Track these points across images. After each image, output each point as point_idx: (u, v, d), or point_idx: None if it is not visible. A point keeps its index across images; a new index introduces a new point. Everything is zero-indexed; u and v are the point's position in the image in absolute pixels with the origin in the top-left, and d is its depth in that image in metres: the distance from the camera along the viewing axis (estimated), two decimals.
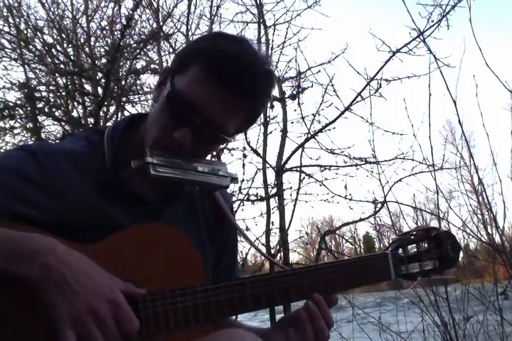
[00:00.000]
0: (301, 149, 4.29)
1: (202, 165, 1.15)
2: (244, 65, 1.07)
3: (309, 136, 4.29)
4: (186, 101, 1.07)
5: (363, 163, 4.34)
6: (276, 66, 4.48)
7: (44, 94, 4.80)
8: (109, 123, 4.49)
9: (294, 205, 4.27)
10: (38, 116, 4.45)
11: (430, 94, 3.17)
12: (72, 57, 4.86)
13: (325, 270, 1.18)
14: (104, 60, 4.75)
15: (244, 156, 4.28)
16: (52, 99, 4.72)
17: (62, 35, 4.88)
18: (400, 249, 1.30)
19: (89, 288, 0.89)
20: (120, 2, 4.88)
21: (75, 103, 4.74)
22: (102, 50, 5.04)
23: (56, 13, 4.98)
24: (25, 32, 4.80)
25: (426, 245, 1.32)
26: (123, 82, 4.43)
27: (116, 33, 4.79)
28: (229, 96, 1.07)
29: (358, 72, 4.04)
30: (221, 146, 4.05)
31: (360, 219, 4.40)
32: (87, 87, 4.90)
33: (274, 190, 4.23)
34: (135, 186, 1.13)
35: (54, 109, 4.67)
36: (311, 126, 4.31)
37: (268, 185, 4.26)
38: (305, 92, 4.39)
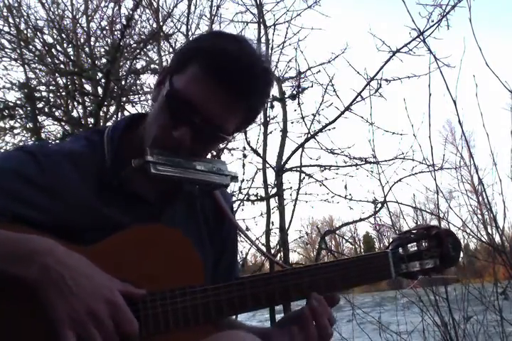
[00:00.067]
0: (301, 149, 4.29)
1: (202, 164, 1.15)
2: (244, 64, 1.07)
3: (309, 136, 4.29)
4: (185, 101, 1.07)
5: (363, 163, 4.34)
6: (276, 66, 4.49)
7: (44, 94, 4.80)
8: (109, 123, 4.49)
9: (294, 205, 4.27)
10: (38, 116, 4.44)
11: (430, 94, 3.17)
12: (72, 57, 4.86)
13: (325, 269, 1.18)
14: (104, 60, 4.75)
15: (244, 156, 4.28)
16: (52, 99, 4.72)
17: (62, 35, 4.88)
18: (400, 248, 1.29)
19: (88, 289, 0.89)
20: (120, 2, 4.88)
21: (75, 103, 4.74)
22: (102, 50, 5.04)
23: (56, 13, 4.98)
24: (25, 32, 4.79)
25: (426, 243, 1.31)
26: (123, 82, 4.43)
27: (116, 33, 4.78)
28: (228, 96, 1.07)
29: (358, 72, 4.05)
30: (221, 145, 4.05)
31: (360, 219, 4.40)
32: (87, 87, 4.90)
33: (274, 190, 4.23)
34: (135, 186, 1.13)
35: (54, 109, 4.67)
36: (311, 126, 4.32)
37: (268, 185, 4.26)
38: (305, 92, 4.39)
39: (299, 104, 4.32)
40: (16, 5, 4.75)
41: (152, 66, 4.96)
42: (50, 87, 4.93)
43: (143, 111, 3.99)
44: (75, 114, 4.76)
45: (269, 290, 1.11)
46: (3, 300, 0.93)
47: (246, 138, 4.16)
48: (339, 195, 4.38)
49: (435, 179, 3.46)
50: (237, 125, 1.16)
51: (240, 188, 4.20)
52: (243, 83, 1.07)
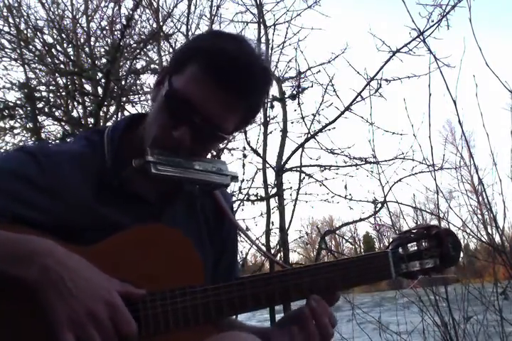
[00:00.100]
0: (301, 149, 4.29)
1: (202, 164, 1.15)
2: (242, 64, 1.07)
3: (309, 136, 4.29)
4: (184, 100, 1.07)
5: (363, 163, 4.35)
6: (276, 66, 4.50)
7: (44, 94, 4.80)
8: (109, 124, 4.49)
9: (294, 205, 4.27)
10: (38, 116, 4.45)
11: (430, 94, 3.17)
12: (72, 57, 4.86)
13: (325, 269, 1.18)
14: (104, 60, 4.75)
15: (244, 156, 4.28)
16: (52, 99, 4.72)
17: (62, 35, 4.88)
18: (400, 248, 1.29)
19: (87, 290, 0.89)
20: (120, 2, 4.88)
21: (75, 103, 4.74)
22: (102, 50, 5.05)
23: (56, 13, 4.99)
24: (25, 32, 4.80)
25: (426, 243, 1.31)
26: (123, 82, 4.43)
27: (116, 33, 4.79)
28: (227, 95, 1.07)
29: (358, 72, 4.05)
30: (221, 145, 4.06)
31: (360, 219, 4.40)
32: (87, 87, 4.91)
33: (274, 190, 4.23)
34: (136, 186, 1.13)
35: (54, 109, 4.67)
36: (311, 126, 4.32)
37: (268, 185, 4.26)
38: (305, 92, 4.40)
39: (299, 104, 4.32)
40: (16, 5, 4.76)
41: (152, 66, 4.96)
42: (50, 87, 4.94)
43: (143, 111, 3.99)
44: (75, 114, 4.77)
45: (269, 291, 1.11)
46: (3, 300, 0.93)
47: (246, 138, 4.17)
48: (339, 195, 4.38)
49: (435, 179, 3.46)
50: (237, 124, 1.16)
51: (240, 188, 4.21)
52: (242, 82, 1.07)
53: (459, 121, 3.06)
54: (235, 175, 1.21)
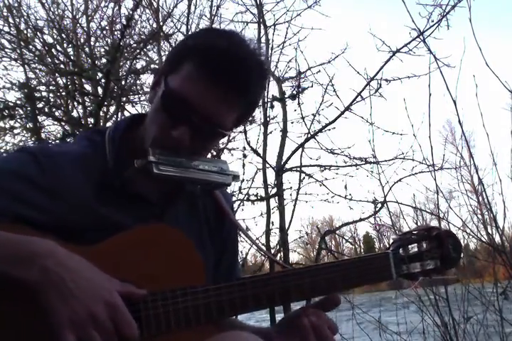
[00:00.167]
0: (301, 149, 4.29)
1: (204, 164, 1.15)
2: (236, 59, 1.06)
3: (309, 136, 4.29)
4: (181, 100, 1.07)
5: (363, 163, 4.34)
6: (276, 66, 4.50)
7: (44, 94, 4.81)
8: (109, 124, 4.50)
9: (294, 205, 4.27)
10: (38, 116, 4.45)
11: (430, 94, 3.17)
12: (72, 57, 4.86)
13: (326, 270, 1.18)
14: (104, 60, 4.75)
15: (244, 156, 4.28)
16: (52, 99, 4.73)
17: (62, 35, 4.88)
18: (401, 249, 1.29)
19: (88, 291, 0.89)
20: (120, 2, 4.88)
21: (75, 103, 4.74)
22: (102, 50, 5.05)
23: (56, 13, 4.98)
24: (25, 32, 4.80)
25: (427, 244, 1.31)
26: (123, 82, 4.43)
27: (116, 33, 4.78)
28: (223, 91, 1.07)
29: (358, 72, 4.05)
30: (221, 145, 4.06)
31: (360, 219, 4.40)
32: (87, 87, 4.91)
33: (274, 190, 4.23)
34: (137, 186, 1.13)
35: (54, 109, 4.67)
36: (311, 126, 4.32)
37: (268, 185, 4.26)
38: (305, 92, 4.39)
39: (299, 104, 4.32)
40: (16, 5, 4.76)
41: (152, 66, 4.95)
42: (50, 87, 4.94)
43: (143, 111, 4.00)
44: (75, 114, 4.77)
45: (270, 291, 1.11)
46: (4, 301, 0.93)
47: (246, 138, 4.17)
48: (339, 195, 4.38)
49: (435, 179, 3.46)
50: (236, 120, 1.16)
51: (240, 188, 4.21)
52: (237, 77, 1.07)
53: (459, 121, 3.06)
54: (237, 174, 1.21)
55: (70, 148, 1.15)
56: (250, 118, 4.06)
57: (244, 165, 4.28)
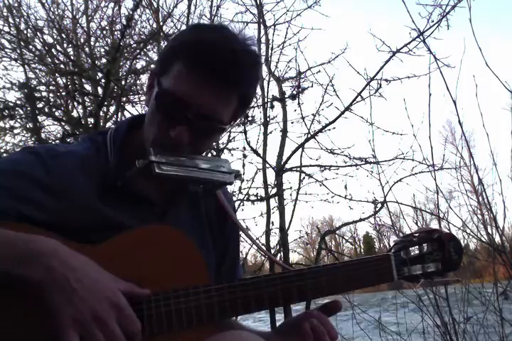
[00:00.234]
0: (301, 149, 4.30)
1: (205, 163, 1.15)
2: (225, 52, 1.05)
3: (309, 136, 4.30)
4: (176, 99, 1.07)
5: (363, 163, 4.35)
6: (276, 66, 4.50)
7: (44, 94, 4.81)
8: (109, 124, 4.51)
9: (294, 205, 4.28)
10: (38, 116, 4.45)
11: (430, 94, 3.16)
12: (72, 57, 4.86)
13: (327, 271, 1.18)
14: (104, 60, 4.75)
15: (244, 156, 4.29)
16: (52, 99, 4.73)
17: (62, 35, 4.88)
18: (403, 251, 1.29)
19: (91, 291, 0.89)
20: (120, 2, 4.88)
21: (75, 103, 4.74)
22: (102, 50, 5.05)
23: (56, 13, 4.98)
24: (25, 32, 4.79)
25: (428, 247, 1.31)
26: (123, 82, 4.43)
27: (116, 33, 4.79)
28: (216, 86, 1.06)
29: (358, 72, 4.06)
30: (220, 143, 4.06)
31: (360, 219, 4.41)
32: (87, 87, 4.91)
33: (274, 190, 4.23)
34: (139, 186, 1.14)
35: (54, 109, 4.67)
36: (311, 126, 4.33)
37: (268, 185, 4.27)
38: (305, 92, 4.40)
39: (299, 104, 4.33)
40: (16, 5, 4.76)
41: (152, 66, 4.95)
42: (50, 87, 4.94)
43: (143, 112, 3.99)
44: (75, 114, 4.78)
45: (272, 292, 1.11)
46: (8, 300, 0.93)
47: (246, 138, 4.17)
48: (339, 195, 4.39)
49: (435, 179, 3.45)
50: (233, 113, 1.15)
51: (240, 188, 4.21)
52: (228, 71, 1.06)
53: (459, 121, 3.05)
54: (239, 173, 1.20)
55: (73, 149, 1.15)
56: (250, 119, 4.07)
57: (244, 165, 4.29)
